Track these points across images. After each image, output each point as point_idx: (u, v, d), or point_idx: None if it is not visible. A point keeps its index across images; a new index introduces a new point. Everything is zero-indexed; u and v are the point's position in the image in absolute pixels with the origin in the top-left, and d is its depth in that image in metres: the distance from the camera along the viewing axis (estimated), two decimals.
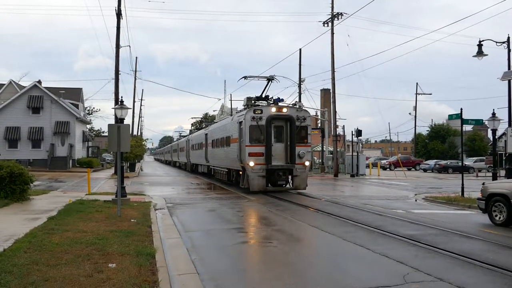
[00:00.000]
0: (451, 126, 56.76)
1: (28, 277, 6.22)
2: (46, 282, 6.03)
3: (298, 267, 7.80)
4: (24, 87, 43.83)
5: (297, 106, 22.06)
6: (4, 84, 50.09)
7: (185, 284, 6.66)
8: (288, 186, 20.99)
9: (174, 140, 76.34)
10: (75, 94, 55.17)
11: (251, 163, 19.78)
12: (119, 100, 16.41)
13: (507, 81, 23.67)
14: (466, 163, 44.29)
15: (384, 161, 57.81)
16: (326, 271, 7.64)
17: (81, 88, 59.68)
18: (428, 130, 69.61)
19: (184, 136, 53.41)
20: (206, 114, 78.60)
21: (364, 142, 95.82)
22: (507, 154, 21.48)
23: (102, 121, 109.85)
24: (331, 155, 40.85)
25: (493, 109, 18.83)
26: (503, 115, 21.87)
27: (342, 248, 9.44)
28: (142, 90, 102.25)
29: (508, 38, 22.90)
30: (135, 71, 57.26)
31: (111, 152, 43.72)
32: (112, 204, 14.18)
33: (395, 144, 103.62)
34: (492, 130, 19.63)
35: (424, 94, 64.75)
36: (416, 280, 6.81)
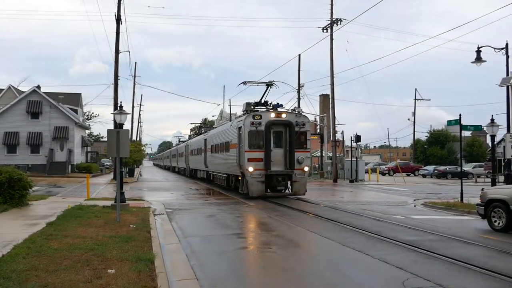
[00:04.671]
0: (450, 131, 56.90)
1: (27, 283, 6.20)
2: None
3: (297, 273, 7.79)
4: (23, 92, 43.82)
5: (296, 112, 22.09)
6: (3, 89, 50.11)
7: None
8: (287, 191, 20.97)
9: (173, 145, 76.32)
10: (74, 99, 55.20)
11: (250, 169, 19.78)
12: (118, 105, 16.43)
13: (505, 87, 23.75)
14: (465, 168, 44.31)
15: (383, 166, 57.84)
16: (325, 276, 7.63)
17: (80, 93, 59.79)
18: (427, 136, 69.63)
19: (183, 142, 53.41)
20: (205, 119, 78.69)
21: (363, 148, 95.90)
22: (506, 160, 21.51)
23: (101, 126, 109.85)
24: (330, 161, 40.86)
25: (492, 115, 18.90)
26: (501, 121, 21.91)
27: (342, 253, 9.44)
28: (141, 95, 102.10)
29: (507, 44, 22.94)
30: (134, 76, 57.41)
31: (110, 158, 43.74)
32: (111, 210, 14.15)
33: (394, 150, 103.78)
34: (491, 136, 19.67)
35: (423, 99, 64.84)
36: (416, 286, 6.81)
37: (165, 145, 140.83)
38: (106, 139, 13.73)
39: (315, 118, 48.07)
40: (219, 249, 9.81)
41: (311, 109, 64.72)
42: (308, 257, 9.40)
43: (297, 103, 44.03)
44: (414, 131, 65.22)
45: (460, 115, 19.08)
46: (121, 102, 17.09)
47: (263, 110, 21.48)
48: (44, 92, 42.90)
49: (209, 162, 30.04)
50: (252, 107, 22.02)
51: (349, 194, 26.38)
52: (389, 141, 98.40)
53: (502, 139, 26.49)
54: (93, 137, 74.13)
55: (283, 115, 20.63)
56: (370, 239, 10.80)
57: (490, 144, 28.75)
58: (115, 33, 32.95)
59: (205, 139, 31.53)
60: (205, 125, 54.21)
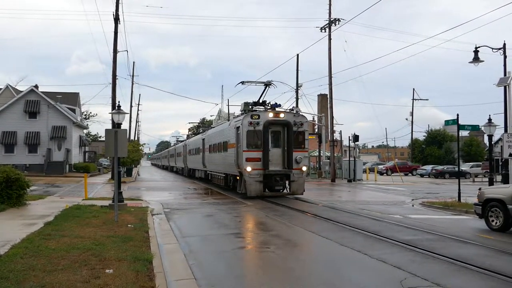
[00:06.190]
0: (448, 131, 56.94)
1: (25, 283, 6.20)
2: None
3: (295, 273, 7.80)
4: (21, 91, 43.77)
5: (294, 112, 22.11)
6: (1, 89, 49.94)
7: None
8: (285, 191, 20.97)
9: (171, 145, 76.29)
10: (72, 99, 55.06)
11: (248, 168, 19.77)
12: (116, 105, 16.41)
13: (503, 87, 23.80)
14: (462, 168, 44.32)
15: (381, 166, 57.87)
16: (323, 276, 7.63)
17: (78, 93, 59.57)
18: (425, 136, 69.75)
19: (182, 141, 53.37)
20: (204, 119, 78.79)
21: (361, 147, 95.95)
22: (503, 160, 21.57)
23: (99, 126, 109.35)
24: (328, 160, 40.92)
25: (489, 115, 18.94)
26: (499, 121, 21.95)
27: (340, 253, 9.45)
28: (140, 94, 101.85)
29: (504, 44, 22.96)
30: (132, 75, 57.08)
31: (108, 157, 43.71)
32: (109, 209, 14.14)
33: (392, 150, 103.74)
34: (488, 135, 19.72)
35: (421, 99, 64.82)
36: (413, 286, 6.83)
37: (163, 145, 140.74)
38: (104, 139, 13.73)
39: (313, 118, 48.09)
40: (217, 248, 9.81)
41: (309, 109, 64.83)
42: (306, 257, 9.41)
43: (295, 103, 44.05)
44: (412, 131, 65.37)
45: (457, 115, 19.16)
46: (119, 102, 17.08)
47: (261, 110, 21.48)
48: (42, 92, 42.86)
49: (207, 162, 30.03)
50: (250, 106, 22.02)
51: (347, 193, 26.41)
52: (387, 140, 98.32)
53: (500, 139, 26.59)
54: (91, 137, 74.10)
55: (281, 115, 20.64)
56: (368, 239, 10.81)
57: (487, 144, 28.82)
58: (113, 33, 32.89)
59: (203, 139, 31.50)
60: (203, 125, 54.27)
